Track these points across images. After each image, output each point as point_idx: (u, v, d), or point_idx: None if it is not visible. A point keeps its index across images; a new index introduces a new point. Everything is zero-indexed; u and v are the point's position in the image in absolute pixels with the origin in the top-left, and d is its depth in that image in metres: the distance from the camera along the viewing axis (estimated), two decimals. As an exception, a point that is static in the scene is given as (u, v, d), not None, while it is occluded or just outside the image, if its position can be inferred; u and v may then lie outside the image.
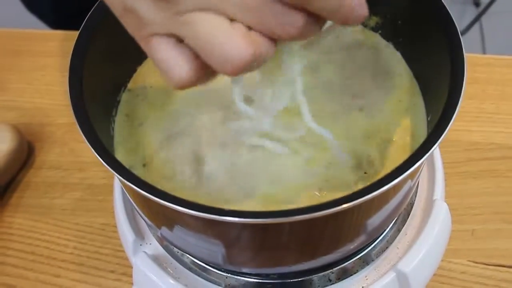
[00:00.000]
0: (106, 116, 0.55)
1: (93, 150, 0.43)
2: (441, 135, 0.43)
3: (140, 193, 0.40)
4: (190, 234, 0.47)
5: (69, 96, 0.48)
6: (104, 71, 0.54)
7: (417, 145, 0.51)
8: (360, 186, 0.49)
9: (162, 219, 0.49)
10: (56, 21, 1.04)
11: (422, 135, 0.53)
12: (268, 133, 0.52)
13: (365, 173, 0.51)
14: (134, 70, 0.60)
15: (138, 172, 0.52)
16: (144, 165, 0.53)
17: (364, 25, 0.62)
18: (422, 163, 0.42)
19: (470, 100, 0.76)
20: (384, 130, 0.54)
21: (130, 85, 0.59)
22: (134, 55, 0.59)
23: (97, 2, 0.53)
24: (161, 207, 0.41)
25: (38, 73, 0.85)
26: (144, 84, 0.59)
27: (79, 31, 0.52)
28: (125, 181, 0.41)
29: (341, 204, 0.39)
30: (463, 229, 0.65)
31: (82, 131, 0.45)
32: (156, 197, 0.40)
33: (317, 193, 0.49)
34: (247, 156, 0.52)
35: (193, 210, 0.39)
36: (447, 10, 0.51)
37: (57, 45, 0.88)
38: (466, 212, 0.67)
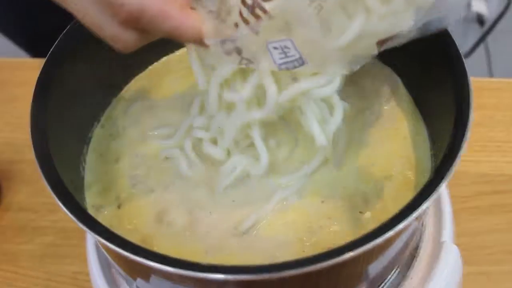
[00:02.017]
0: (75, 154, 0.53)
1: (53, 194, 0.42)
2: (448, 170, 0.41)
3: (110, 247, 0.38)
4: (168, 285, 0.44)
5: (30, 132, 0.45)
6: (73, 105, 0.52)
7: (421, 180, 0.50)
8: (357, 227, 0.47)
9: (137, 271, 0.46)
10: (29, 41, 1.02)
11: (426, 169, 0.51)
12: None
13: (360, 212, 0.48)
14: (109, 102, 0.58)
15: (112, 213, 0.50)
16: (118, 207, 0.51)
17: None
18: (429, 203, 0.40)
19: (477, 128, 0.73)
20: (381, 164, 0.51)
21: (103, 120, 0.57)
22: (105, 88, 0.58)
23: (67, 28, 0.51)
24: (133, 260, 0.38)
25: (9, 105, 0.83)
26: (116, 122, 0.57)
27: (46, 56, 0.50)
28: (92, 233, 0.39)
29: (336, 256, 0.36)
30: (476, 272, 0.62)
31: (43, 172, 0.43)
32: (128, 251, 0.37)
33: (306, 239, 0.47)
34: (234, 195, 0.50)
35: (170, 266, 0.37)
36: (448, 31, 0.49)
37: (30, 75, 0.85)
38: (478, 252, 0.64)
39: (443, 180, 0.40)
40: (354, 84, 0.57)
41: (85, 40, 0.51)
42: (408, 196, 0.49)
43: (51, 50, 0.51)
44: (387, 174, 0.51)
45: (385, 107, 0.56)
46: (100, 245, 0.51)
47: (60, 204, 0.41)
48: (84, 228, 0.39)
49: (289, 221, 0.48)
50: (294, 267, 0.36)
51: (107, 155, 0.55)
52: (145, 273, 0.44)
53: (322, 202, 0.49)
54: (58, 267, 0.66)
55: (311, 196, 0.49)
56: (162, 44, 0.59)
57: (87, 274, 0.59)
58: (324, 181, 0.50)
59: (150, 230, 0.49)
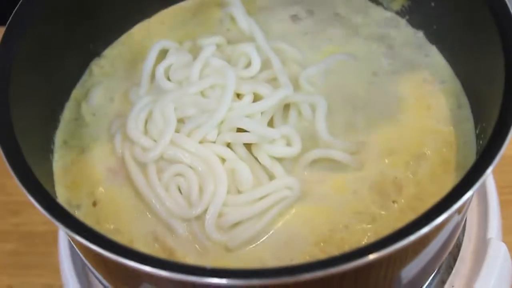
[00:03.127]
0: (44, 140, 0.54)
1: (24, 189, 0.41)
2: (497, 151, 0.41)
3: (95, 251, 0.39)
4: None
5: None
6: (40, 80, 0.53)
7: (461, 160, 0.51)
8: (391, 221, 0.48)
9: (123, 279, 0.47)
10: None
11: (468, 147, 0.52)
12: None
13: (393, 202, 0.49)
14: (79, 77, 0.59)
15: (87, 212, 0.52)
16: (94, 204, 0.52)
17: (386, 8, 0.61)
18: (473, 191, 0.40)
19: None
20: (414, 143, 0.53)
21: (71, 100, 0.58)
22: (75, 59, 0.59)
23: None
24: (122, 266, 0.39)
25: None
26: (87, 102, 0.58)
27: (4, 29, 0.50)
28: (76, 237, 0.39)
29: (357, 259, 0.36)
30: (528, 275, 0.63)
31: (9, 162, 0.43)
32: (118, 254, 0.38)
33: (326, 240, 0.48)
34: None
35: (167, 270, 0.37)
36: None
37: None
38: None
39: (491, 163, 0.41)
40: (379, 40, 0.60)
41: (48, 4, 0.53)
42: (447, 179, 0.50)
43: (11, 17, 0.51)
44: (419, 153, 0.52)
45: (417, 79, 0.57)
46: (79, 251, 0.52)
47: (33, 200, 0.41)
48: (66, 229, 0.39)
49: (308, 220, 0.49)
50: (309, 270, 0.37)
51: (75, 142, 0.56)
52: (133, 282, 0.45)
53: (347, 196, 0.50)
54: (23, 279, 0.67)
55: (335, 192, 0.51)
56: (139, 7, 0.62)
57: (60, 287, 0.60)
58: (347, 175, 0.51)
59: (132, 231, 0.50)
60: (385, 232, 0.41)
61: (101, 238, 0.40)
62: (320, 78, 0.57)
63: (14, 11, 0.51)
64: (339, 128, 0.54)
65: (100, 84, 0.59)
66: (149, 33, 0.62)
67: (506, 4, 0.48)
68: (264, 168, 0.51)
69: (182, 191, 0.50)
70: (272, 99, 0.51)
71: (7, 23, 0.51)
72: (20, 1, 0.52)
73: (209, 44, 0.56)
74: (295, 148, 0.51)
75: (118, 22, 0.62)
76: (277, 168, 0.50)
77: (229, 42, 0.59)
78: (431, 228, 0.38)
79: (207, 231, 0.48)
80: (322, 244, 0.48)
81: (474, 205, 0.59)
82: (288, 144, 0.51)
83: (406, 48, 0.59)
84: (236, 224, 0.49)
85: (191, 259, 0.48)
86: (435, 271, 0.55)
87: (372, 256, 0.37)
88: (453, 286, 0.55)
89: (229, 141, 0.51)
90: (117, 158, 0.54)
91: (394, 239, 0.38)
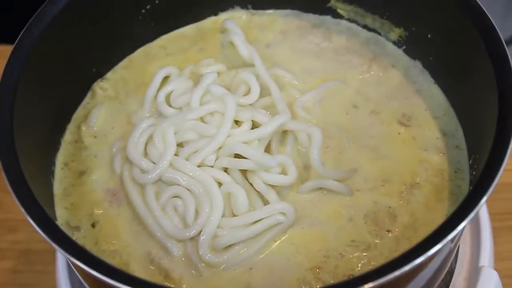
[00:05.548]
0: (46, 165, 0.54)
1: (22, 208, 0.42)
2: (491, 181, 0.42)
3: (91, 274, 0.39)
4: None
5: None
6: (42, 102, 0.53)
7: (455, 189, 0.51)
8: (385, 250, 0.48)
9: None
10: None
11: (461, 176, 0.52)
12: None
13: (387, 231, 0.50)
14: (79, 102, 0.60)
15: (86, 233, 0.52)
16: (93, 225, 0.52)
17: (384, 38, 0.62)
18: (467, 222, 0.40)
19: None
20: (406, 172, 0.53)
21: (72, 123, 0.58)
22: (77, 81, 0.59)
23: (32, 18, 0.53)
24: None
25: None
26: (87, 125, 0.58)
27: (12, 47, 0.51)
28: (75, 261, 0.39)
29: (356, 286, 0.37)
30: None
31: (9, 181, 0.43)
32: (113, 279, 0.38)
33: (321, 267, 0.48)
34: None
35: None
36: (484, 11, 0.50)
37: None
38: (524, 279, 0.64)
39: (485, 193, 0.41)
40: (374, 68, 0.60)
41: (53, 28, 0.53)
42: (440, 208, 0.51)
43: (18, 39, 0.52)
44: (411, 181, 0.53)
45: (411, 108, 0.57)
46: (76, 271, 0.52)
47: (32, 222, 0.41)
48: (64, 253, 0.39)
49: (302, 246, 0.50)
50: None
51: (74, 164, 0.56)
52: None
53: (342, 223, 0.51)
54: (20, 298, 0.67)
55: (330, 218, 0.51)
56: (142, 32, 0.62)
57: (57, 306, 0.60)
58: (342, 202, 0.52)
59: (130, 252, 0.50)
60: (379, 261, 0.41)
61: (96, 261, 0.40)
62: (315, 105, 0.57)
63: (21, 33, 0.52)
64: (333, 156, 0.54)
65: (101, 106, 0.59)
66: (151, 57, 0.63)
67: (500, 39, 0.48)
68: (258, 193, 0.51)
69: (178, 212, 0.50)
70: (269, 126, 0.52)
71: (14, 44, 0.51)
72: (27, 24, 0.52)
73: (210, 72, 0.56)
74: (291, 177, 0.51)
75: (121, 47, 0.62)
76: (271, 194, 0.51)
77: (229, 67, 0.60)
78: (425, 258, 0.38)
79: (201, 252, 0.48)
80: (317, 270, 0.48)
81: (466, 232, 0.59)
82: (284, 172, 0.51)
83: (401, 77, 0.59)
84: (230, 247, 0.49)
85: (186, 281, 0.48)
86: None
87: (367, 286, 0.37)
88: (445, 313, 0.55)
89: (227, 167, 0.51)
90: (116, 180, 0.54)
91: (389, 269, 0.38)
